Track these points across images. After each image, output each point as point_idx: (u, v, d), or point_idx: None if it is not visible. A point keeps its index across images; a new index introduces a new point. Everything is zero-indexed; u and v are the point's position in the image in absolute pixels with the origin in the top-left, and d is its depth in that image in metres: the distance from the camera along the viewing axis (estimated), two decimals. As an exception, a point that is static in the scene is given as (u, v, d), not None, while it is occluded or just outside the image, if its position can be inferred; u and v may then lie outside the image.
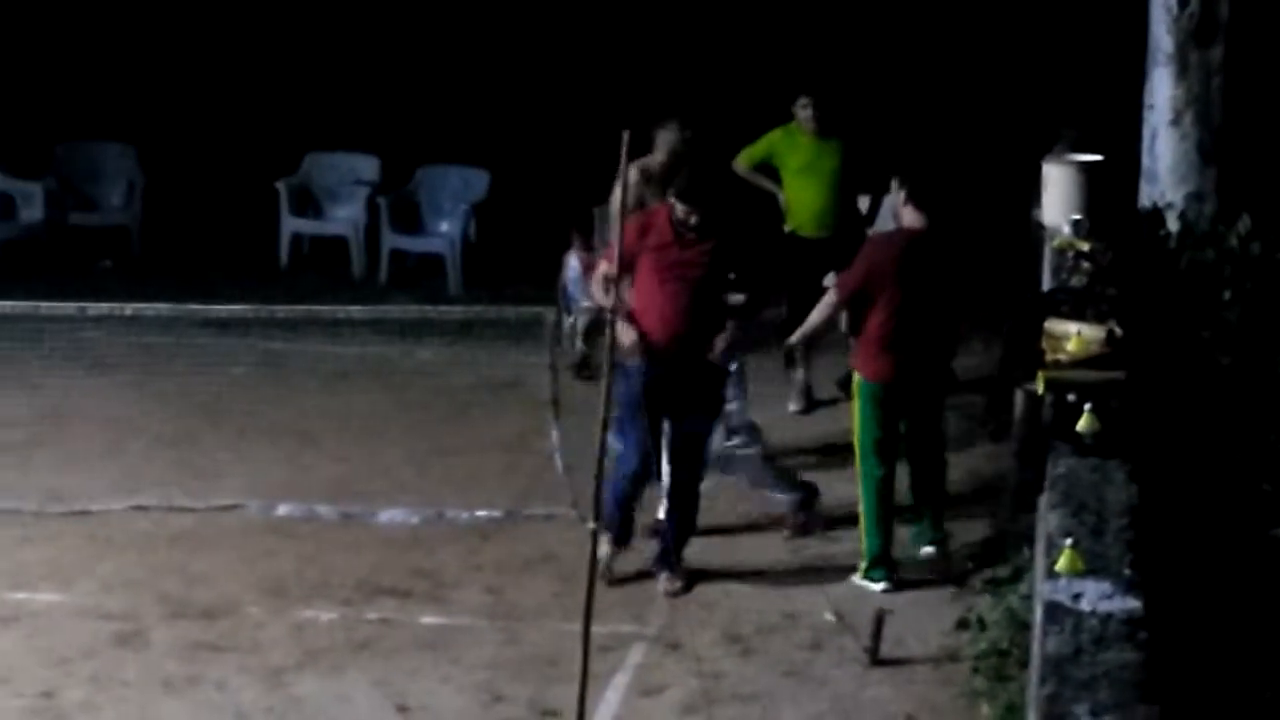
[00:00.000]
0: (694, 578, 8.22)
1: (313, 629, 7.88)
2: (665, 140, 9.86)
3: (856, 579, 8.23)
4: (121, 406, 10.43)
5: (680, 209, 8.10)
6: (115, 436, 10.20)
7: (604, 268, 8.08)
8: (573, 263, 11.34)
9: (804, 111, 10.40)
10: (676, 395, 8.12)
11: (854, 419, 8.38)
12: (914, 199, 8.26)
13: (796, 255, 10.35)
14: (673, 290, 8.08)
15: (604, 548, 7.88)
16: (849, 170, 10.36)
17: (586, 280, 10.34)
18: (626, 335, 7.96)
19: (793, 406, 10.38)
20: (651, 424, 7.97)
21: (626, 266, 7.85)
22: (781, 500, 8.76)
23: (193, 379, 10.97)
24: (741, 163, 10.56)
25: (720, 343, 8.13)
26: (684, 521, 8.36)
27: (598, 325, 10.71)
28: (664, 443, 8.24)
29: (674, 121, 9.94)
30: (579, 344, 11.00)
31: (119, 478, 9.59)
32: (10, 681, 7.36)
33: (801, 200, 10.45)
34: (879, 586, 8.15)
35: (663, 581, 8.22)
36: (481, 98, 14.32)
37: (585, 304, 10.83)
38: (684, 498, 8.32)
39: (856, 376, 8.37)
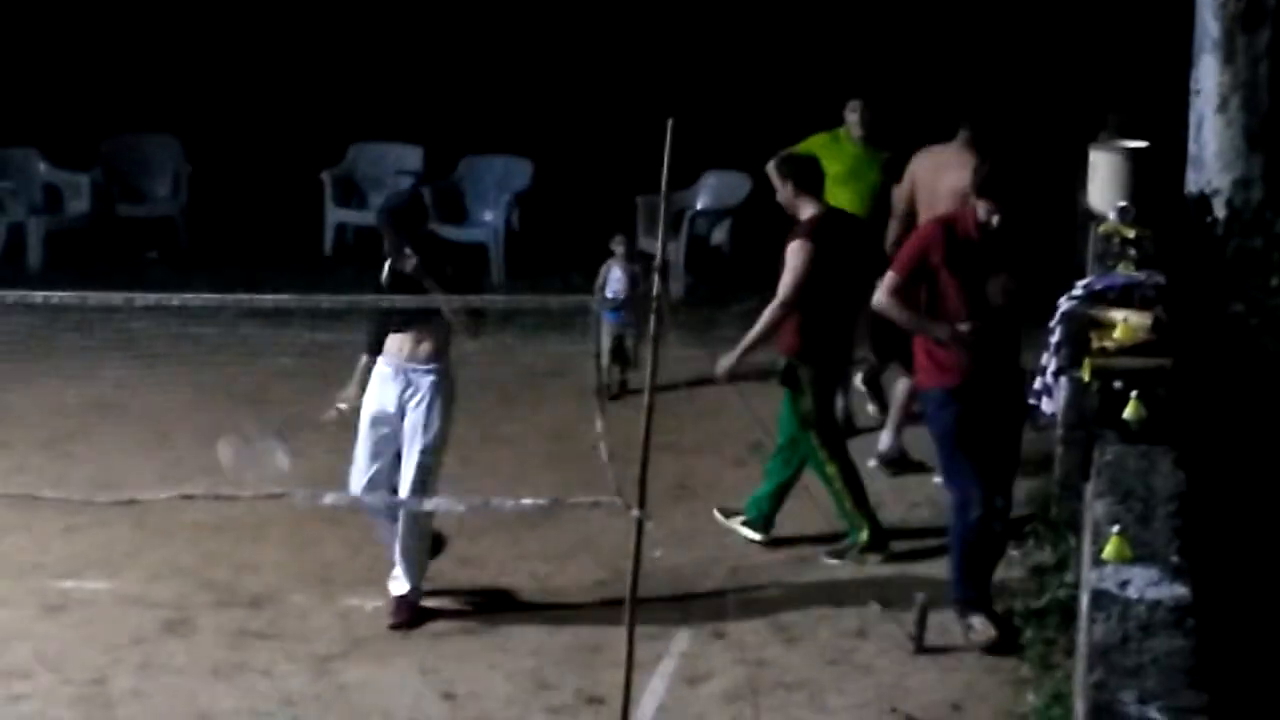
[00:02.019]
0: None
1: (359, 617, 7.91)
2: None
3: (851, 557, 8.34)
4: (168, 396, 10.49)
5: (984, 208, 7.38)
6: (162, 426, 10.27)
7: (890, 279, 7.52)
8: (615, 274, 10.79)
9: (853, 115, 9.78)
10: (995, 423, 7.51)
11: (798, 406, 8.35)
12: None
13: None
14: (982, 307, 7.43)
15: (980, 629, 7.43)
16: (889, 186, 9.59)
17: (630, 294, 10.15)
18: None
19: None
20: (977, 450, 7.43)
21: (915, 280, 7.45)
22: None
23: (238, 369, 11.05)
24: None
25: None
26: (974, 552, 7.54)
27: (620, 350, 10.55)
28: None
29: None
30: (605, 363, 10.49)
31: (166, 467, 9.65)
32: (60, 669, 7.42)
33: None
34: (877, 559, 8.34)
35: (974, 629, 7.52)
36: (525, 87, 14.34)
37: (616, 321, 10.50)
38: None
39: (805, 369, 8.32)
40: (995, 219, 7.34)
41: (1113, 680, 4.51)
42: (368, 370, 7.88)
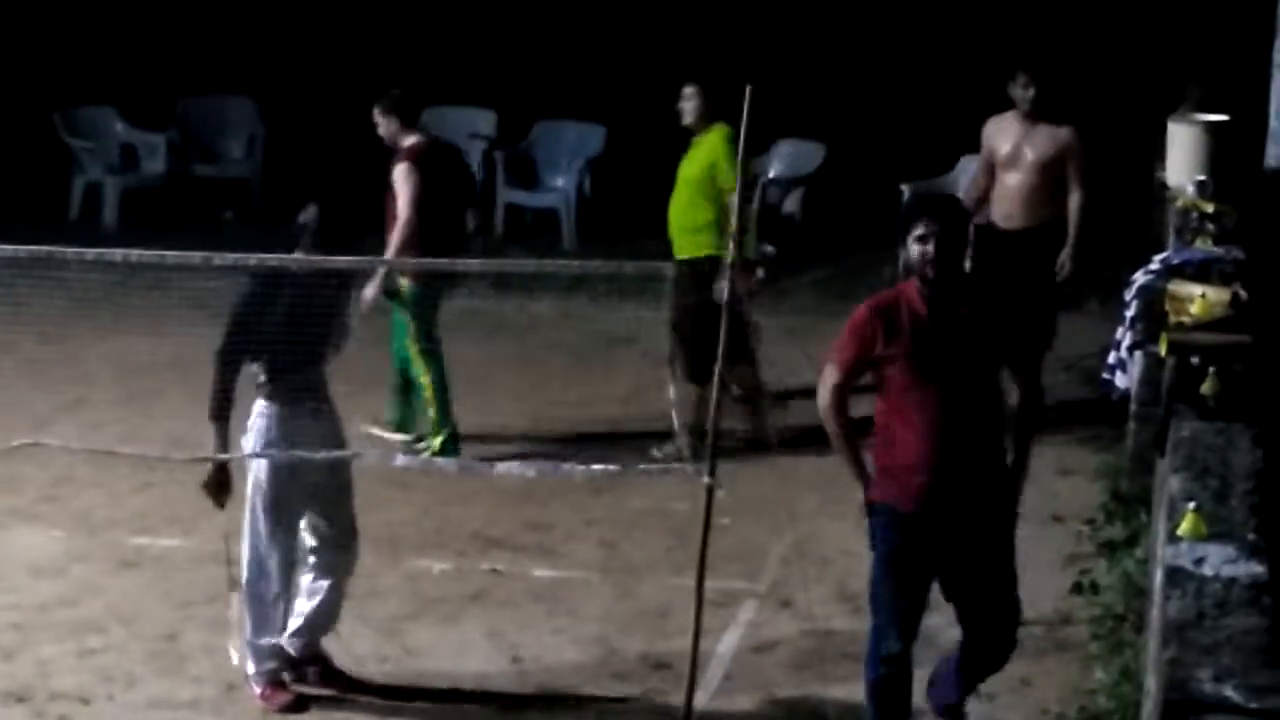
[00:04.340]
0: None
1: (427, 579, 7.96)
2: (1013, 95, 9.46)
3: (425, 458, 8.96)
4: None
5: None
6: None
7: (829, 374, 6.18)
8: None
9: (686, 104, 9.45)
10: (952, 551, 6.14)
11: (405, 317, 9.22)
12: None
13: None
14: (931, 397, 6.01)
15: None
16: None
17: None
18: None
19: None
20: (915, 589, 6.22)
21: (857, 372, 6.15)
22: None
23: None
24: None
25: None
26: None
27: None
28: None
29: (1021, 74, 9.44)
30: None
31: (240, 425, 9.71)
32: (133, 623, 7.51)
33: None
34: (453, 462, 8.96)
35: None
36: (600, 53, 14.32)
37: None
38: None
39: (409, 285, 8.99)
40: (931, 249, 5.91)
41: (1188, 658, 4.48)
42: None
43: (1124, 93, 12.46)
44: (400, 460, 8.26)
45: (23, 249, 7.48)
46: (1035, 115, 9.49)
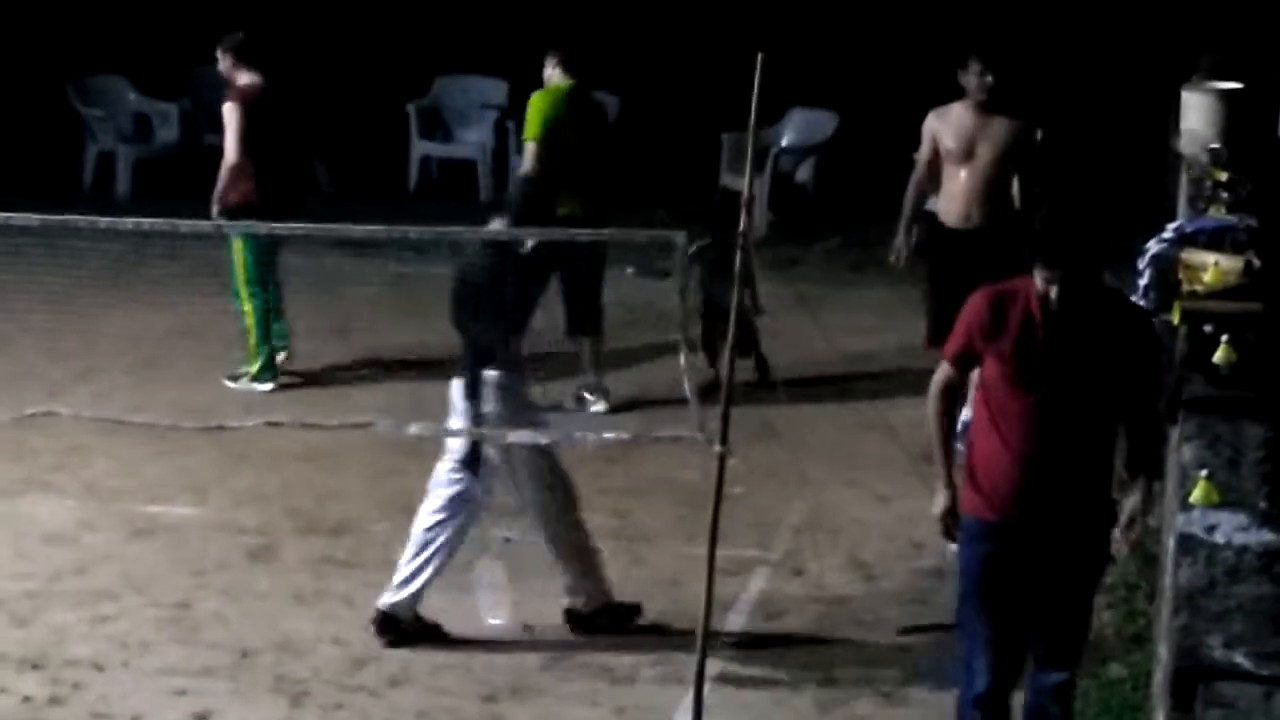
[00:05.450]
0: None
1: (440, 547, 7.95)
2: (967, 85, 8.76)
3: (243, 384, 9.79)
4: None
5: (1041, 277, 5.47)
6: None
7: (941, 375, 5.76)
8: None
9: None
10: (1039, 578, 5.66)
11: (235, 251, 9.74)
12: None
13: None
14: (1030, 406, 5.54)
15: None
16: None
17: None
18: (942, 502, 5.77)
19: None
20: (1005, 615, 5.69)
21: (963, 365, 5.71)
22: None
23: (325, 298, 11.14)
24: None
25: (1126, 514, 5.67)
26: None
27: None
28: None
29: (975, 61, 8.72)
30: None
31: (252, 394, 9.76)
32: (146, 591, 7.53)
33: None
34: (268, 387, 9.82)
35: None
36: (613, 22, 14.28)
37: None
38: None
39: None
40: (1054, 292, 5.42)
41: (1199, 625, 4.49)
42: None
43: (1138, 61, 12.41)
44: (414, 428, 8.26)
45: (35, 218, 7.48)
46: (989, 106, 8.77)
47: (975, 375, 5.76)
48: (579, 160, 9.33)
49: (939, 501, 5.80)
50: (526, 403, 7.15)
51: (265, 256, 9.88)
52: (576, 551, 7.19)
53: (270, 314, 9.99)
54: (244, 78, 9.88)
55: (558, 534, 7.16)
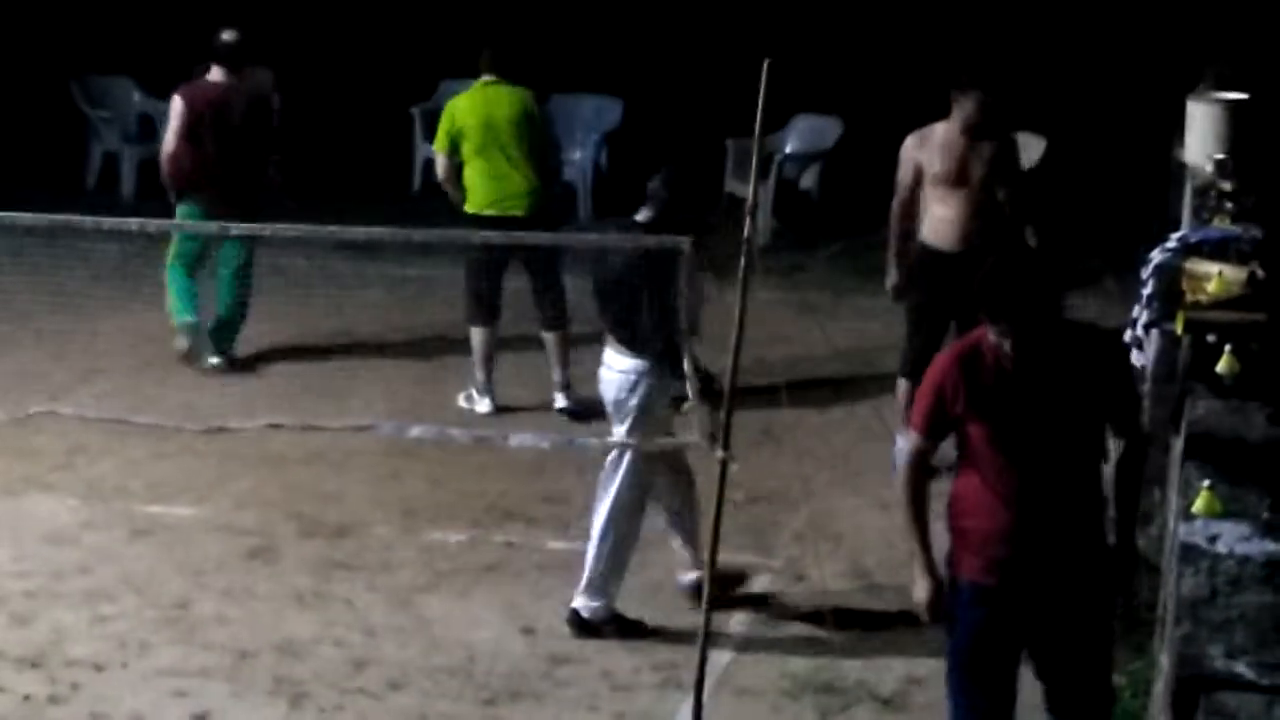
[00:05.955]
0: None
1: (441, 550, 7.97)
2: (963, 108, 8.51)
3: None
4: (258, 326, 10.56)
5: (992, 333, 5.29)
6: (251, 355, 10.37)
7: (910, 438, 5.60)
8: None
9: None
10: (1037, 633, 5.47)
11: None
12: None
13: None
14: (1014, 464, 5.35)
15: None
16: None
17: None
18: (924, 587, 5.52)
19: None
20: (994, 683, 5.49)
21: (937, 434, 5.50)
22: None
23: (327, 301, 11.12)
24: None
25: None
26: None
27: None
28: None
29: (976, 89, 8.45)
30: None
31: (254, 396, 9.75)
32: (145, 592, 7.52)
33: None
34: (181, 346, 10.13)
35: None
36: (618, 26, 14.29)
37: None
38: None
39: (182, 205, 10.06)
40: (1008, 345, 5.23)
41: (1201, 635, 4.48)
42: None
43: (1143, 71, 12.41)
44: (416, 431, 8.27)
45: (40, 218, 7.48)
46: (979, 129, 8.56)
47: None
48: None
49: (921, 590, 5.53)
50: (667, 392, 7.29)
51: (191, 246, 10.15)
52: (696, 533, 7.31)
53: (194, 296, 10.19)
54: (215, 75, 10.35)
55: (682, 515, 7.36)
